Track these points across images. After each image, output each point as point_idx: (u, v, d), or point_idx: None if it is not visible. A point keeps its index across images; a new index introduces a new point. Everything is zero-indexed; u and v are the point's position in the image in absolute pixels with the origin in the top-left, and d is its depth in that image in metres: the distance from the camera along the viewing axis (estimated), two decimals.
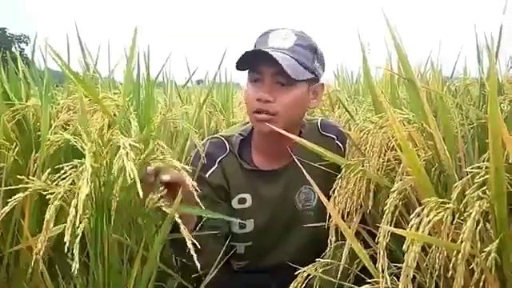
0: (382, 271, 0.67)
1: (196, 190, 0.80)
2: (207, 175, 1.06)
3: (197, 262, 0.73)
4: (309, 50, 1.04)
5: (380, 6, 0.81)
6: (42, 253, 0.69)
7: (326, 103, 1.85)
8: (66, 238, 0.62)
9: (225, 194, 1.09)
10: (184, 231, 0.75)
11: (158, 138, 0.86)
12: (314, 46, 1.05)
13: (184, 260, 0.90)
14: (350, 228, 0.83)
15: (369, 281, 0.71)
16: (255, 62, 1.00)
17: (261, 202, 1.10)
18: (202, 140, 1.14)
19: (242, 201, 1.10)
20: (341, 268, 0.84)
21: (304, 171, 0.82)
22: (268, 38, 1.03)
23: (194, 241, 0.75)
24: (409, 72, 0.81)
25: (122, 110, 0.87)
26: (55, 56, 0.83)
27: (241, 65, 1.01)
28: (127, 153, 0.68)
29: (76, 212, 0.63)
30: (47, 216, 0.67)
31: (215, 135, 1.16)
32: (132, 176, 0.66)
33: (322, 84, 1.09)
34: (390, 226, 0.70)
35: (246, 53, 0.99)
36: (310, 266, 0.86)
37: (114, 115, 0.90)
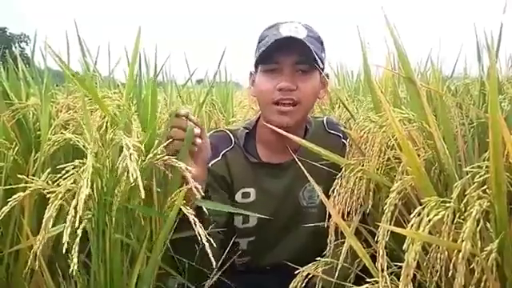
0: (382, 270, 0.67)
1: (198, 190, 0.80)
2: (210, 165, 1.05)
3: (212, 258, 0.73)
4: (318, 41, 1.05)
5: (380, 5, 0.81)
6: (40, 252, 0.69)
7: (327, 102, 1.85)
8: (65, 239, 0.62)
9: (226, 185, 1.08)
10: (200, 229, 0.74)
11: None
12: (320, 37, 1.07)
13: (186, 259, 0.90)
14: (349, 227, 0.83)
15: (369, 280, 0.71)
16: (270, 51, 1.00)
17: (265, 196, 1.09)
18: None
19: (246, 195, 1.09)
20: (338, 266, 0.84)
21: (305, 171, 0.82)
22: (279, 30, 1.03)
23: (210, 238, 0.74)
24: (409, 71, 0.81)
25: (124, 109, 0.87)
26: (55, 56, 0.83)
27: (262, 54, 1.00)
28: (130, 154, 0.68)
29: (75, 212, 0.63)
30: (46, 215, 0.67)
31: (220, 129, 1.16)
32: (135, 176, 0.66)
33: (327, 74, 1.11)
34: (390, 225, 0.69)
35: (277, 40, 0.98)
36: (310, 265, 0.86)
37: (115, 115, 0.90)
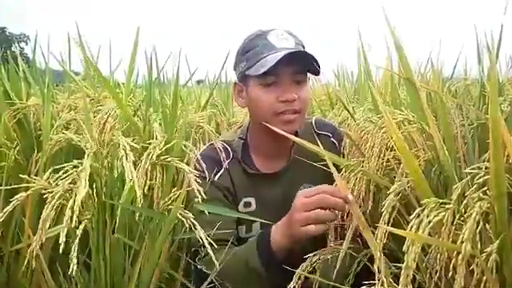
0: (379, 272, 0.67)
1: (199, 192, 0.80)
2: (216, 178, 1.06)
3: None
4: (303, 47, 1.06)
5: (380, 6, 0.81)
6: (40, 252, 0.69)
7: (326, 103, 1.85)
8: (61, 240, 0.62)
9: (232, 197, 1.09)
10: (200, 232, 0.76)
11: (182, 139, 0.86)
12: (302, 41, 1.07)
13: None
14: (349, 228, 0.83)
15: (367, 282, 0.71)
16: (272, 68, 0.98)
17: (264, 204, 1.10)
18: (204, 140, 1.15)
19: (247, 204, 1.10)
20: (339, 263, 0.84)
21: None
22: (268, 39, 1.02)
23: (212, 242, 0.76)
24: (409, 72, 0.81)
25: (131, 109, 0.87)
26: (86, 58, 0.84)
27: (267, 72, 0.98)
28: (126, 154, 0.68)
29: (72, 213, 0.63)
30: (44, 215, 0.67)
31: (216, 141, 1.16)
32: (130, 177, 0.66)
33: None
34: (389, 226, 0.69)
35: (282, 57, 0.96)
36: (307, 262, 0.86)
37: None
